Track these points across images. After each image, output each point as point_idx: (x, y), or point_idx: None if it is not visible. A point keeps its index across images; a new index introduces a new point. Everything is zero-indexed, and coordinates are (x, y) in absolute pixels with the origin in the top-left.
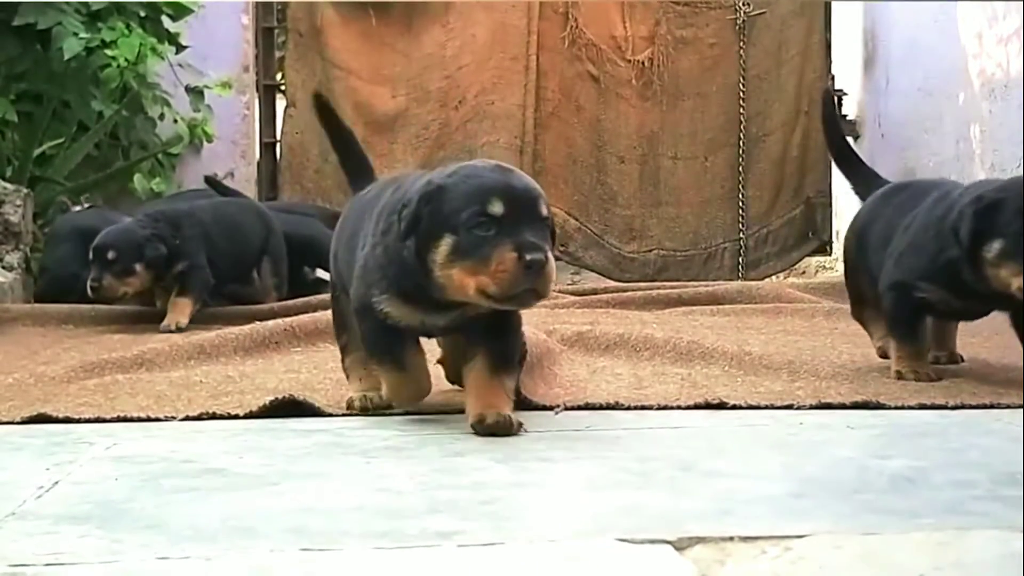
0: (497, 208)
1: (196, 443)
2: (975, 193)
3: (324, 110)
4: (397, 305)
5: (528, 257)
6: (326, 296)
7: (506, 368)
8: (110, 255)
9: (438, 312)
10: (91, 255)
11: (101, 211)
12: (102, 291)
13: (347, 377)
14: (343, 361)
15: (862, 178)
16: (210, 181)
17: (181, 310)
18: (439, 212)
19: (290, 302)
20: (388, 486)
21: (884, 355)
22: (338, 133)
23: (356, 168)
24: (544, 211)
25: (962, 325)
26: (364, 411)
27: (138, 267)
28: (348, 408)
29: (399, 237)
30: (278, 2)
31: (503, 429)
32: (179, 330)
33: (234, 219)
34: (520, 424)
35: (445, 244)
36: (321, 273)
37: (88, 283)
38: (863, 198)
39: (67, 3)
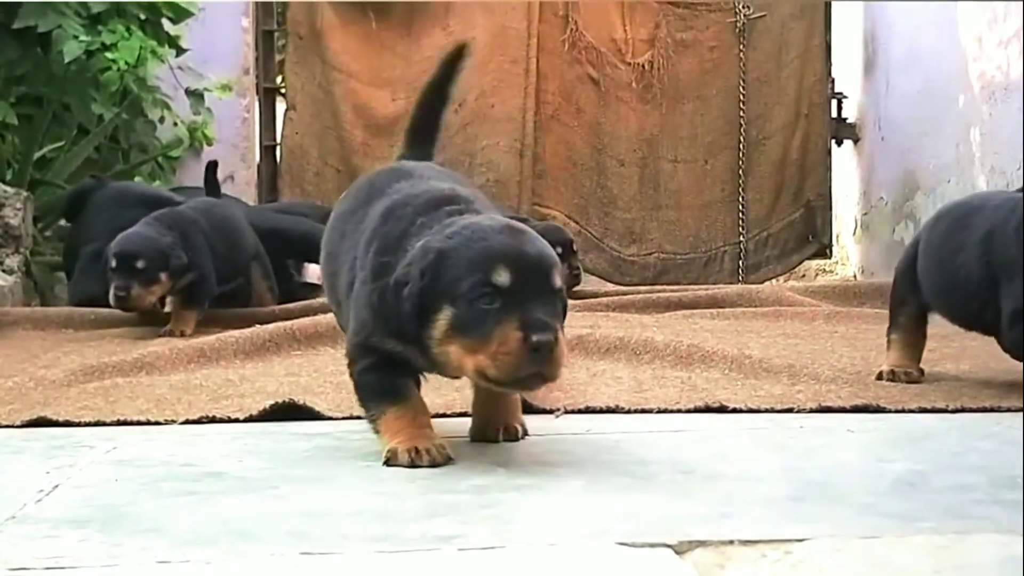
0: (503, 278)
1: (196, 447)
2: None
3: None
4: (400, 344)
5: (535, 338)
6: (326, 300)
7: None
8: (139, 264)
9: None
10: (114, 262)
11: (139, 184)
12: (131, 301)
13: None
14: None
15: None
16: (211, 169)
17: (186, 320)
18: (438, 280)
19: (291, 305)
20: (388, 490)
21: (880, 376)
22: (436, 93)
23: (418, 135)
24: (557, 282)
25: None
26: None
27: (163, 276)
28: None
29: (406, 318)
30: (278, 4)
31: (493, 437)
32: (181, 335)
33: (228, 222)
34: (525, 431)
35: (443, 317)
36: (310, 277)
37: (113, 292)
38: None
39: (67, 6)
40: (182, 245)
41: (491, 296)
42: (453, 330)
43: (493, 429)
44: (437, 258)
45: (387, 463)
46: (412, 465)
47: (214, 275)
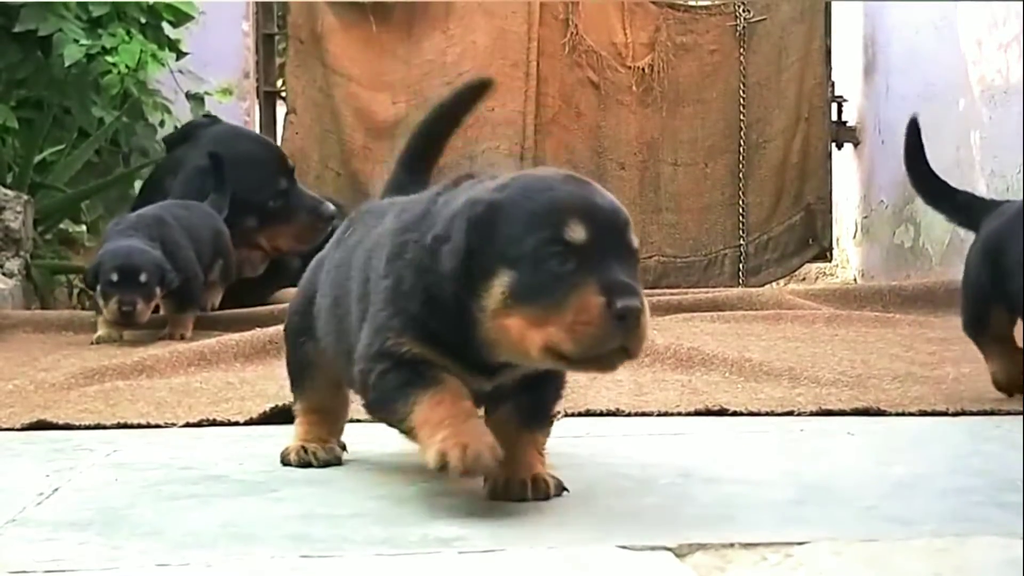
0: (578, 234)
1: (196, 450)
2: None
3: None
4: (425, 347)
5: (620, 304)
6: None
7: (540, 420)
8: (142, 278)
9: (483, 373)
10: (115, 276)
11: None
12: (135, 316)
13: (295, 422)
14: (295, 405)
15: (963, 206)
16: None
17: (184, 323)
18: (492, 239)
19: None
20: (388, 492)
21: (999, 387)
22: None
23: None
24: (635, 241)
25: (960, 332)
26: (303, 465)
27: (158, 289)
28: (283, 463)
29: (450, 276)
30: (278, 8)
31: (519, 493)
32: (181, 338)
33: (190, 222)
34: (560, 485)
35: (500, 283)
36: None
37: (118, 307)
38: (969, 226)
39: (68, 9)
40: (166, 251)
41: (563, 256)
42: (514, 298)
43: (519, 483)
44: (489, 211)
45: (442, 470)
46: (469, 473)
47: (201, 274)
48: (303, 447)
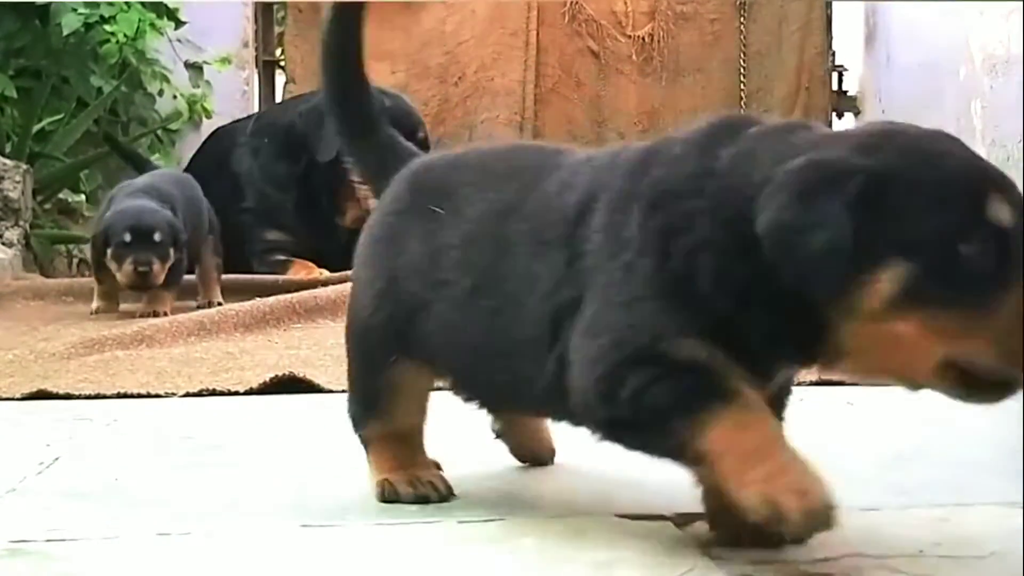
0: (1003, 214)
1: (196, 420)
2: None
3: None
4: (716, 349)
5: None
6: (328, 273)
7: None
8: (156, 237)
9: (765, 376)
10: (128, 236)
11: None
12: (151, 277)
13: (368, 457)
14: (367, 449)
15: None
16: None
17: (165, 301)
18: (879, 221)
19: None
20: None
21: None
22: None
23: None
24: None
25: None
26: (420, 500)
27: (172, 250)
28: (383, 499)
29: (824, 278)
30: None
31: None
32: (164, 315)
33: (194, 195)
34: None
35: (890, 278)
36: None
37: (133, 267)
38: None
39: None
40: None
41: (986, 245)
42: (911, 297)
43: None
44: (875, 183)
45: (770, 522)
46: (809, 532)
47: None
48: (413, 480)
